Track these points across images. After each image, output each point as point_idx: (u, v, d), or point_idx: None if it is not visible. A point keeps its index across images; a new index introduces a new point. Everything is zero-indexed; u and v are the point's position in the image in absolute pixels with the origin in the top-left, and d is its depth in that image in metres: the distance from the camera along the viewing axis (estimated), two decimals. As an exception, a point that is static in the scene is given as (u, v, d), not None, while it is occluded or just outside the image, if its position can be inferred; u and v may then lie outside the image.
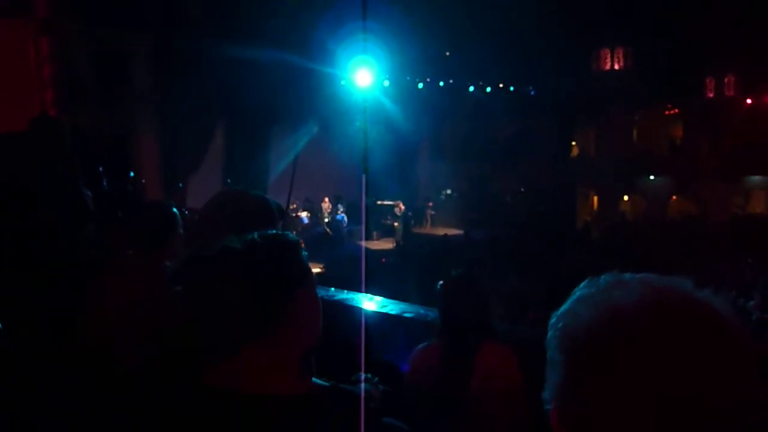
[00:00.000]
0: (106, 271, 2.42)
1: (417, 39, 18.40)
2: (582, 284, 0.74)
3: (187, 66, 14.75)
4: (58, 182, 3.48)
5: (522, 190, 24.54)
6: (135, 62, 15.53)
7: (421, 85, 22.05)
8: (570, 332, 0.69)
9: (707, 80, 22.52)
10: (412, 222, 21.19)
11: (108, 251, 2.90)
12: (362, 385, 1.60)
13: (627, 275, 0.72)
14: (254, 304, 1.16)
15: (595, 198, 24.88)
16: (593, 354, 0.66)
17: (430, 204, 23.48)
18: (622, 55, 23.73)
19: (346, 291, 4.31)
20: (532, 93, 23.54)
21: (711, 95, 22.64)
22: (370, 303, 4.06)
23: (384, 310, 3.90)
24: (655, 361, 0.62)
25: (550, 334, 0.72)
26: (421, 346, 2.55)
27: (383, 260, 15.00)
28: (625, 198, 24.38)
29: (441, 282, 2.49)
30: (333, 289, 4.40)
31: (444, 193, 25.91)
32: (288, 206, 17.11)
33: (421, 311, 3.76)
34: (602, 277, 0.73)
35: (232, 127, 18.01)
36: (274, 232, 1.30)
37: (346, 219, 19.68)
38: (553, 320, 0.73)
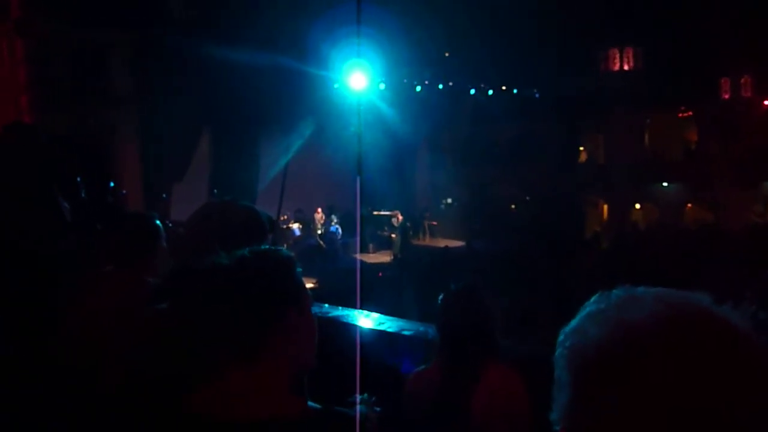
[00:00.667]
0: (84, 286, 2.42)
1: (414, 39, 18.51)
2: (592, 299, 0.74)
3: (171, 68, 14.79)
4: (34, 193, 3.49)
5: (527, 198, 24.58)
6: (115, 64, 15.58)
7: (419, 88, 22.14)
8: (579, 350, 0.69)
9: (722, 81, 22.66)
10: (411, 233, 21.16)
11: (86, 266, 2.89)
12: (357, 407, 1.60)
13: (640, 290, 0.72)
14: (243, 322, 1.16)
15: (605, 207, 24.92)
16: (604, 372, 0.66)
17: (428, 214, 23.48)
18: (632, 54, 23.87)
19: (340, 307, 4.31)
20: (537, 95, 23.63)
21: (726, 97, 22.77)
22: (366, 320, 4.06)
23: (381, 328, 3.89)
24: (668, 378, 0.63)
25: (558, 351, 0.73)
26: (417, 369, 2.54)
27: (380, 274, 14.98)
28: (637, 206, 24.43)
29: (441, 297, 2.49)
30: (327, 305, 4.41)
31: (444, 201, 25.92)
32: (278, 217, 17.14)
33: (421, 328, 3.75)
34: (613, 292, 0.73)
35: (218, 134, 18.03)
36: (267, 247, 1.31)
37: (340, 231, 19.65)
38: (561, 337, 0.73)
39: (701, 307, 0.68)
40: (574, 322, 0.73)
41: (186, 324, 1.18)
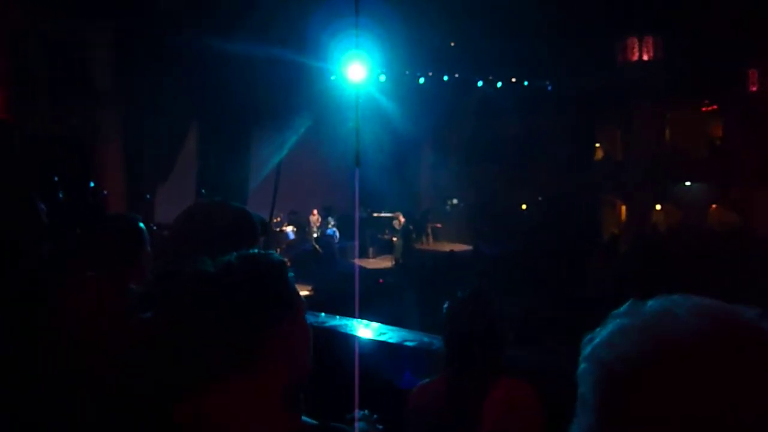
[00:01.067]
0: (62, 295, 2.42)
1: (417, 27, 18.50)
2: (621, 309, 0.72)
3: (155, 60, 14.80)
4: (7, 194, 3.49)
5: (538, 198, 24.58)
6: (95, 56, 15.58)
7: (422, 80, 22.15)
8: (608, 367, 0.67)
9: (749, 72, 22.62)
10: (413, 236, 21.18)
11: (65, 272, 2.89)
12: (357, 424, 1.60)
13: (676, 300, 0.70)
14: (231, 331, 1.17)
15: (623, 207, 24.91)
16: (636, 393, 0.64)
17: (431, 216, 23.49)
18: (652, 44, 23.84)
19: (338, 317, 4.31)
20: (549, 88, 23.63)
21: (754, 89, 22.72)
22: (365, 330, 4.07)
23: (382, 338, 3.90)
24: (712, 402, 0.61)
25: (582, 367, 0.71)
26: (422, 382, 2.54)
27: (381, 281, 14.98)
28: (657, 207, 24.42)
29: (447, 304, 2.49)
30: (323, 314, 4.41)
31: (449, 202, 25.93)
32: (271, 220, 17.13)
33: (425, 339, 3.76)
34: (647, 302, 0.71)
35: (206, 130, 18.04)
36: (255, 252, 1.32)
37: (337, 234, 19.67)
38: (587, 351, 0.71)
39: (746, 321, 0.66)
40: (602, 335, 0.71)
41: (171, 333, 1.19)
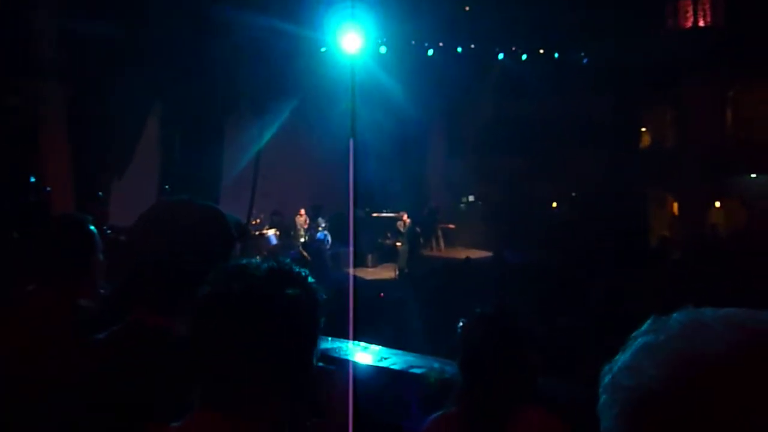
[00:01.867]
0: (-2, 312, 2.43)
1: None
2: (643, 327, 0.74)
3: (110, 29, 14.79)
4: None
5: (572, 194, 24.57)
6: (36, 20, 15.57)
7: (431, 52, 22.14)
8: (633, 394, 0.68)
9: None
10: (421, 241, 21.19)
11: (1, 285, 2.91)
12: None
13: (707, 312, 0.71)
14: (261, 371, 1.19)
15: (675, 204, 24.90)
16: (667, 422, 0.65)
17: (440, 217, 23.48)
18: (709, 6, 23.82)
19: (330, 338, 4.32)
20: (585, 61, 23.60)
21: (833, 60, 22.70)
22: (363, 354, 4.08)
23: (383, 364, 3.91)
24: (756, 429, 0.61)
25: (603, 398, 0.72)
26: (435, 415, 2.55)
27: (381, 294, 14.99)
28: (717, 204, 24.40)
29: (462, 323, 2.50)
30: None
31: (464, 200, 25.93)
32: (249, 221, 17.14)
33: (436, 365, 3.77)
34: (672, 317, 0.72)
35: (171, 115, 18.04)
36: (294, 270, 1.32)
37: (329, 238, 19.67)
38: (606, 379, 0.72)
39: None
40: (623, 359, 0.72)
41: (199, 353, 1.21)
